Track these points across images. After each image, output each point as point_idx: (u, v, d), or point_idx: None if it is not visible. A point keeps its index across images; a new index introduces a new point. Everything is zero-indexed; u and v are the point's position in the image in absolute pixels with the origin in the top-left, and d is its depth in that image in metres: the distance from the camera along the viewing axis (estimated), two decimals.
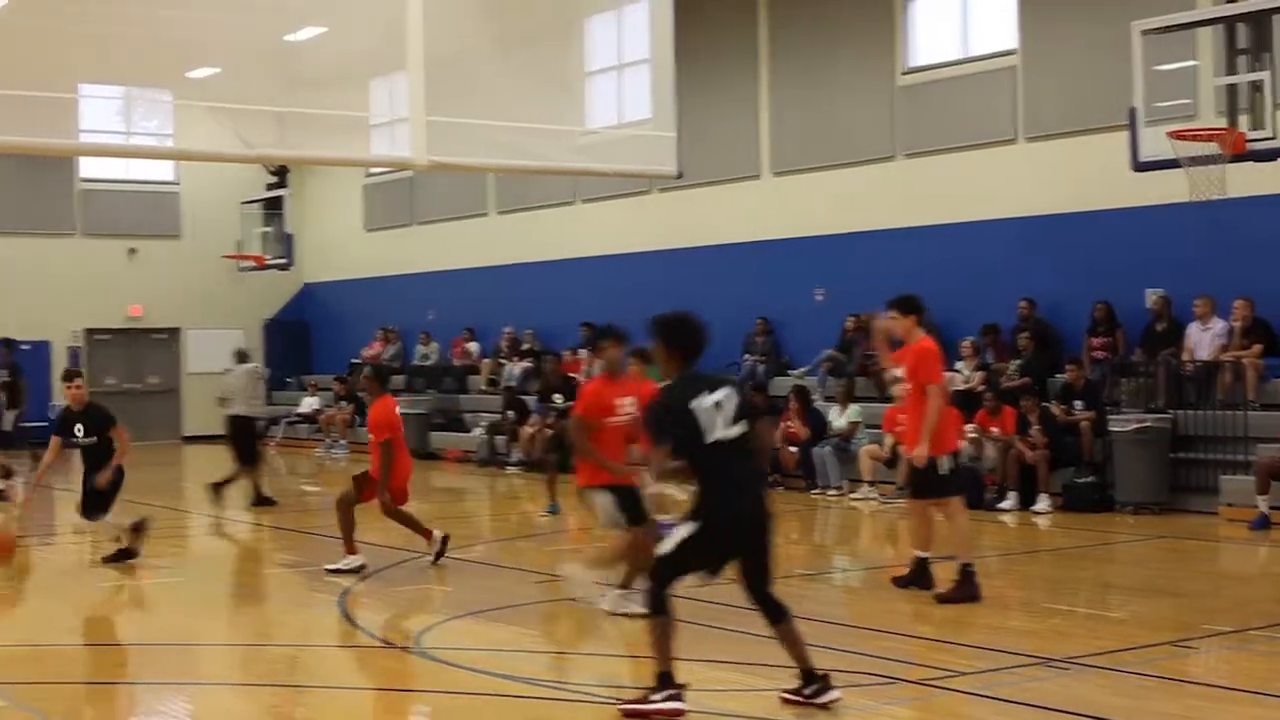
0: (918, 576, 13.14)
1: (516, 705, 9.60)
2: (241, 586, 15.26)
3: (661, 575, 8.89)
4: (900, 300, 13.26)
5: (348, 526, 14.99)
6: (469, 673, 10.52)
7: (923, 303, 13.38)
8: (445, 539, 15.41)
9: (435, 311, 34.23)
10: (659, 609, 8.82)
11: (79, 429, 15.84)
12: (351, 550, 14.95)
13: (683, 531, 8.81)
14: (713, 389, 8.88)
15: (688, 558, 8.85)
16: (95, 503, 15.77)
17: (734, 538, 8.91)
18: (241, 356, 23.35)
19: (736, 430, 8.84)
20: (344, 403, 32.78)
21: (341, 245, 38.18)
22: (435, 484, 25.80)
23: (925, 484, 12.97)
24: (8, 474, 21.62)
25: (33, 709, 9.68)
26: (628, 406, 12.39)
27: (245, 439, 21.88)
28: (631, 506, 11.79)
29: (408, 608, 13.84)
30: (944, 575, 13.08)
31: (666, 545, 8.85)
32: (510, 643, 11.91)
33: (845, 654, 10.54)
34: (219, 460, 25.12)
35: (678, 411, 8.81)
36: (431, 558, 15.29)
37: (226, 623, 12.82)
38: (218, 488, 21.38)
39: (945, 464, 12.85)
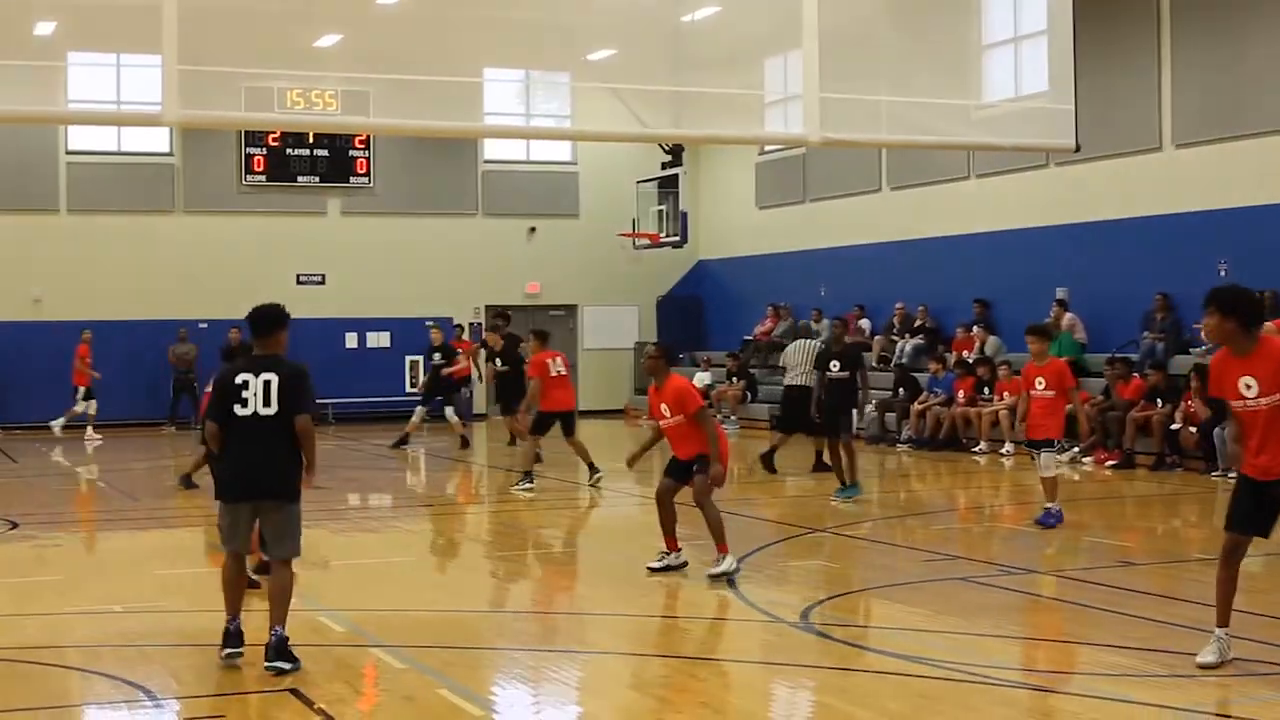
0: None
1: (907, 684, 9.56)
2: (627, 560, 15.52)
3: None
4: None
5: (669, 521, 13.99)
6: (857, 649, 10.54)
7: None
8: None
9: (827, 288, 34.22)
10: None
11: None
12: (673, 546, 14.02)
13: None
14: None
15: None
16: None
17: None
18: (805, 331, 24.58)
19: None
20: (735, 378, 33.08)
21: (734, 223, 38.46)
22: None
23: None
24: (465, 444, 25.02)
25: (432, 670, 10.05)
26: None
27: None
28: None
29: (796, 583, 13.86)
30: None
31: None
32: (900, 620, 11.88)
33: (1241, 642, 10.13)
34: (613, 435, 25.68)
35: None
36: None
37: (615, 594, 13.04)
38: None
39: None
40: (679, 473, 13.74)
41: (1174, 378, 23.59)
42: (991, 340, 28.29)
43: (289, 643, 9.88)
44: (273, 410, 9.94)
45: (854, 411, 19.69)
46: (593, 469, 21.27)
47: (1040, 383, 16.59)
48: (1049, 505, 16.46)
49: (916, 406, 27.50)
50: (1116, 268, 26.25)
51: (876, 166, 32.79)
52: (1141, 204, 26.56)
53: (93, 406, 31.55)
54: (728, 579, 13.18)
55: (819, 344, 23.34)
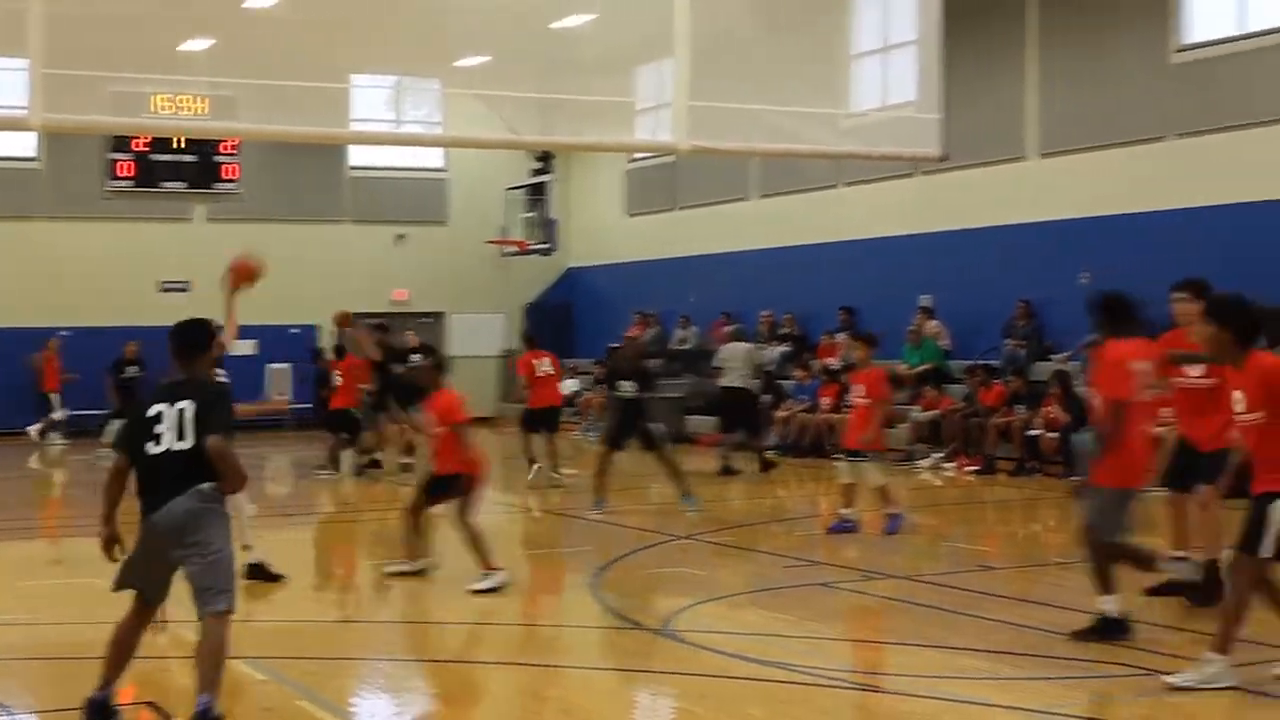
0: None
1: (768, 689, 9.60)
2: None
3: None
4: (1190, 282, 11.80)
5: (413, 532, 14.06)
6: (720, 656, 10.53)
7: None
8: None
9: (696, 295, 34.33)
10: None
11: None
12: (414, 555, 14.06)
13: None
14: None
15: None
16: None
17: None
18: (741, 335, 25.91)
19: None
20: (602, 386, 33.08)
21: (603, 230, 38.49)
22: (689, 467, 25.85)
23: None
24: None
25: (293, 682, 9.93)
26: None
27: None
28: None
29: (659, 590, 13.89)
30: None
31: None
32: (762, 626, 11.92)
33: (1097, 644, 10.42)
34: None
35: None
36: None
37: (479, 602, 13.00)
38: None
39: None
40: (435, 489, 13.81)
41: (1035, 384, 23.93)
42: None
43: None
44: (187, 444, 8.40)
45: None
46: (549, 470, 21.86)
47: (858, 390, 16.71)
48: (891, 511, 16.52)
49: (781, 413, 27.63)
50: (981, 275, 26.55)
51: (746, 175, 32.94)
52: (1006, 212, 26.88)
53: None
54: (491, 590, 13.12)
55: (756, 348, 24.04)
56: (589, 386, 34.00)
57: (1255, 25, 23.51)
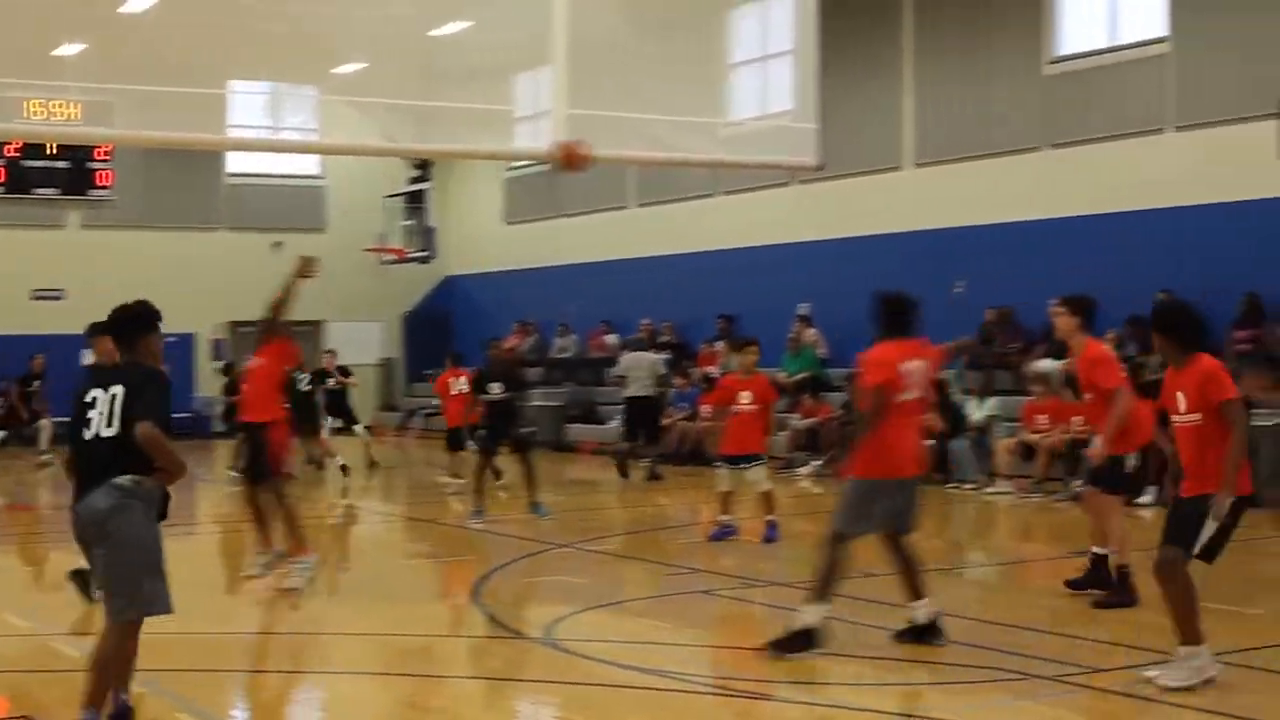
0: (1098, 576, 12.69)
1: (648, 697, 9.60)
2: (374, 577, 15.39)
3: None
4: (1071, 299, 12.66)
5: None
6: (600, 664, 10.54)
7: (1094, 308, 12.75)
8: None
9: (576, 304, 34.32)
10: None
11: None
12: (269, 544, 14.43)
13: None
14: None
15: None
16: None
17: None
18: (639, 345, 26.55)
19: None
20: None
21: (482, 238, 38.42)
22: (569, 476, 25.95)
23: (1108, 479, 12.70)
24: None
25: (173, 694, 9.82)
26: None
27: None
28: None
29: (540, 599, 13.91)
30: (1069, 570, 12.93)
31: None
32: (643, 634, 11.94)
33: (978, 649, 10.60)
34: (354, 451, 25.55)
35: None
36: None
37: (360, 613, 12.93)
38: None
39: (1131, 461, 12.64)
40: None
41: None
42: (736, 356, 28.58)
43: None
44: (114, 431, 8.11)
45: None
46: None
47: (745, 396, 16.76)
48: (771, 519, 16.58)
49: (663, 421, 27.66)
50: (857, 284, 26.44)
51: (625, 183, 33.00)
52: (883, 222, 27.15)
53: None
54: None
55: (657, 356, 25.53)
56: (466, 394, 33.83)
57: (1126, 37, 23.91)
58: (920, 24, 26.74)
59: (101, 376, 8.36)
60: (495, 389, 19.11)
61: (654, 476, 24.10)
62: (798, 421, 25.59)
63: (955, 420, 22.90)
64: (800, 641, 10.38)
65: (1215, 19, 22.50)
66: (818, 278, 27.95)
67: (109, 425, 8.11)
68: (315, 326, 37.86)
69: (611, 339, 32.72)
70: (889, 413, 10.50)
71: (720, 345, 28.97)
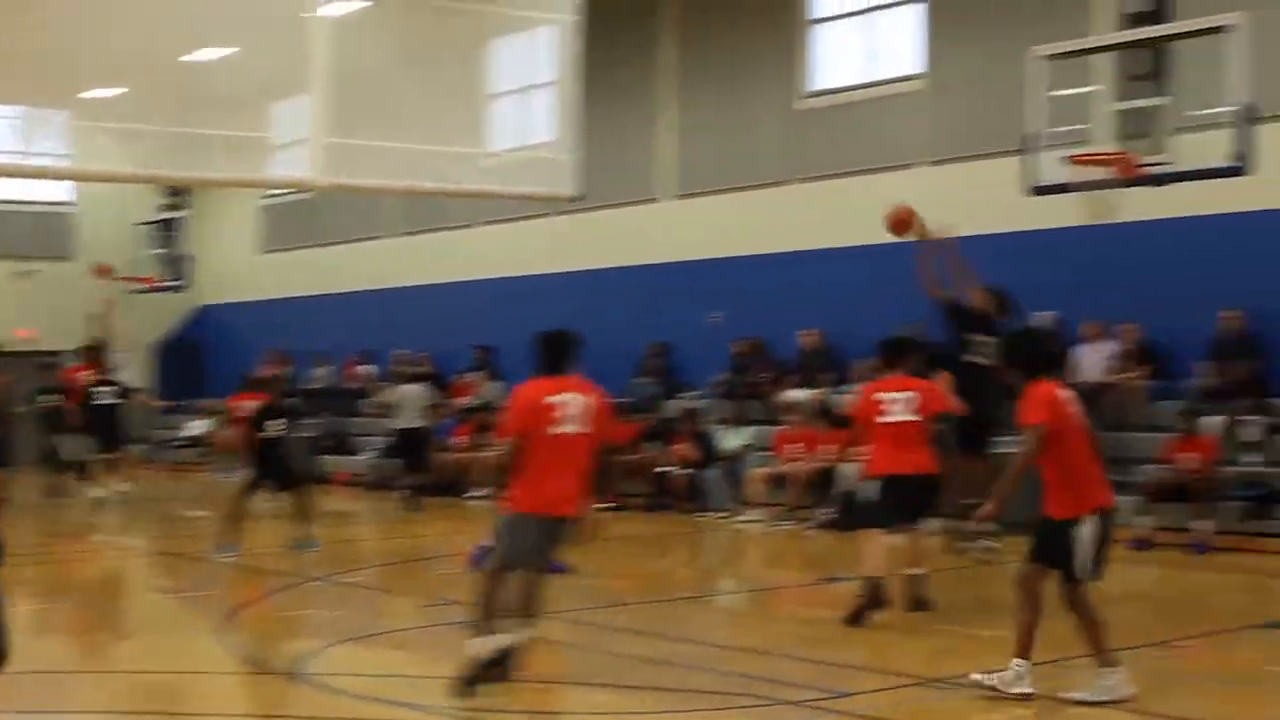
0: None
1: None
2: (117, 613, 15.04)
3: None
4: (886, 342, 13.81)
5: None
6: (351, 699, 10.41)
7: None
8: None
9: (333, 334, 33.99)
10: None
11: None
12: None
13: None
14: None
15: None
16: None
17: None
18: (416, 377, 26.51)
19: None
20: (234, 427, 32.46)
21: (238, 267, 37.91)
22: (323, 508, 25.62)
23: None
24: None
25: None
26: None
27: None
28: None
29: (291, 633, 13.71)
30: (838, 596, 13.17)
31: None
32: (397, 667, 11.83)
33: (727, 676, 10.73)
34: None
35: None
36: None
37: (101, 650, 12.63)
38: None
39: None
40: None
41: (667, 421, 24.40)
42: (492, 386, 28.54)
43: None
44: None
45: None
46: None
47: None
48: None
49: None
50: (616, 315, 26.92)
51: (384, 213, 32.81)
52: (641, 252, 27.39)
53: None
54: None
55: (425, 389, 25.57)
56: (220, 426, 33.32)
57: (880, 74, 24.46)
58: (681, 57, 27.07)
59: None
60: (277, 426, 18.69)
61: (412, 507, 23.91)
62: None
63: (707, 450, 23.19)
64: (491, 672, 10.10)
65: (967, 59, 23.12)
66: (577, 308, 28.04)
67: None
68: (63, 357, 37.03)
69: (367, 369, 32.48)
70: (538, 448, 10.26)
71: (477, 376, 28.96)
